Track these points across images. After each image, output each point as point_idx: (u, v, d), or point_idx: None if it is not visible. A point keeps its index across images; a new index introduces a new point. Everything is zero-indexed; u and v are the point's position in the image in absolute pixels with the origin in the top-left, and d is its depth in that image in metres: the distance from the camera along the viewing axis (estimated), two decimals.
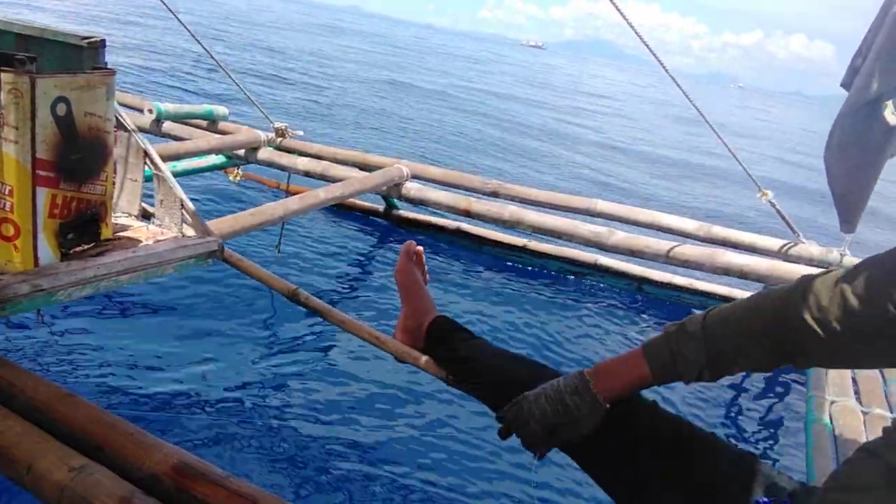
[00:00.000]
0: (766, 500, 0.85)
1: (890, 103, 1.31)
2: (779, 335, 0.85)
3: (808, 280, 0.85)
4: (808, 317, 0.81)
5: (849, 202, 1.60)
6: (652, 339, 0.96)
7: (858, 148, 1.44)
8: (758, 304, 0.90)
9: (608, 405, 0.94)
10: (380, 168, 3.18)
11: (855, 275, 0.80)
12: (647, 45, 2.55)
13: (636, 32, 2.50)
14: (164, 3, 2.84)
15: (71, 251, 1.34)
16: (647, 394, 1.02)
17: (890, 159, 1.67)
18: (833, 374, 1.80)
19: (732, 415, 2.37)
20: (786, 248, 2.73)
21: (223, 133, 3.58)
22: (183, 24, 3.09)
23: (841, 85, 1.65)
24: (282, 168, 3.29)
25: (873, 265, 0.79)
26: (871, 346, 0.78)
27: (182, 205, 1.59)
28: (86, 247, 1.38)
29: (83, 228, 1.36)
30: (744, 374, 1.02)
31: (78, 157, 1.29)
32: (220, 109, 3.81)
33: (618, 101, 19.85)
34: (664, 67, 2.64)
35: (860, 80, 1.34)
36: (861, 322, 0.77)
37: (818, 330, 0.80)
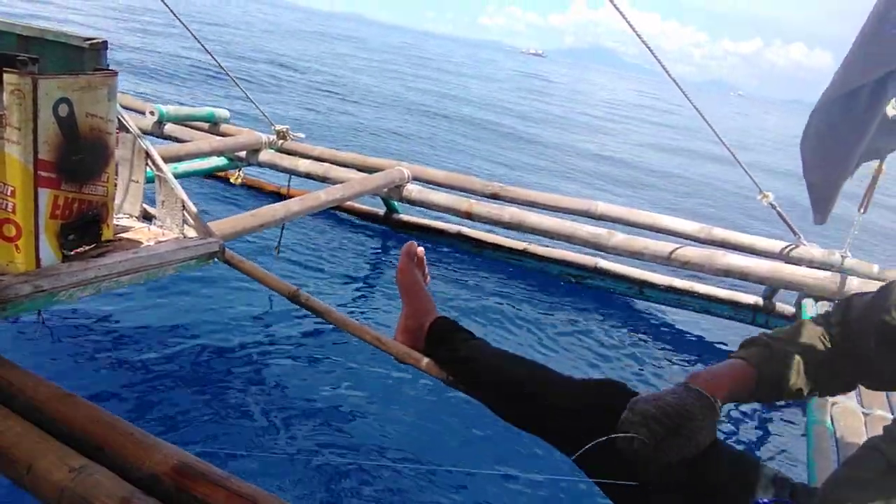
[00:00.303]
0: (766, 500, 0.85)
1: (894, 100, 1.31)
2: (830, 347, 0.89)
3: (852, 296, 0.92)
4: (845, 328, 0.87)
5: (821, 193, 1.60)
6: (744, 349, 0.94)
7: (834, 139, 1.44)
8: (814, 322, 0.93)
9: (720, 404, 0.88)
10: (381, 170, 3.19)
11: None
12: (653, 53, 2.54)
13: (642, 40, 2.50)
14: (168, 7, 2.85)
15: (72, 252, 1.34)
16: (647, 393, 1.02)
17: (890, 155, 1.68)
18: None
19: (733, 416, 2.37)
20: (787, 249, 2.73)
21: (224, 135, 3.59)
22: (187, 28, 3.10)
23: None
24: (283, 170, 3.30)
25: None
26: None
27: (183, 206, 1.60)
28: (87, 248, 1.38)
29: (84, 229, 1.36)
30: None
31: (79, 157, 1.29)
32: (222, 112, 3.82)
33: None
34: (670, 75, 2.64)
35: (839, 72, 1.34)
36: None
37: (854, 339, 0.86)
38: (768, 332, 0.96)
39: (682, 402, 0.85)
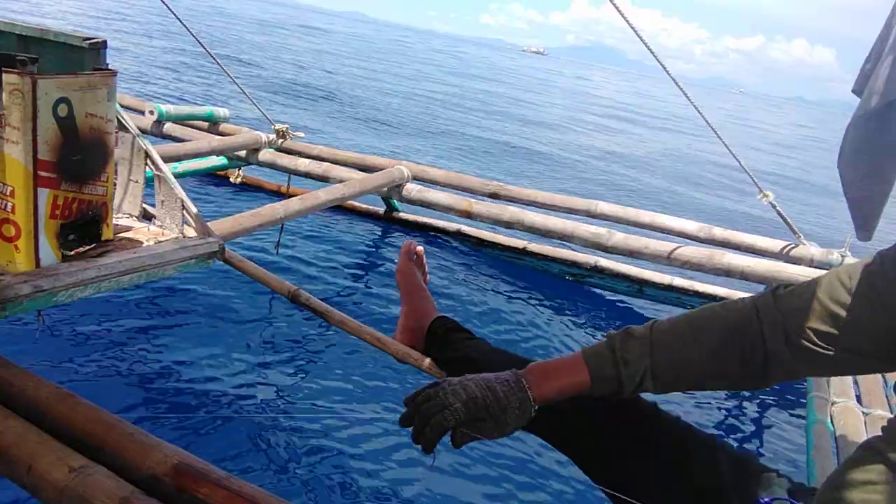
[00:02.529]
0: (766, 500, 0.85)
1: None
2: (743, 337, 0.83)
3: (777, 286, 0.86)
4: (778, 316, 0.83)
5: (864, 209, 1.58)
6: (594, 344, 0.91)
7: (873, 153, 1.43)
8: (713, 310, 0.87)
9: (536, 407, 0.88)
10: (380, 169, 3.19)
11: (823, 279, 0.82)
12: (654, 54, 2.55)
13: (643, 40, 2.50)
14: (168, 6, 2.85)
15: (72, 252, 1.34)
16: (649, 395, 1.02)
17: None
18: None
19: (732, 416, 2.37)
20: (787, 249, 2.74)
21: (224, 134, 3.59)
22: (186, 27, 3.09)
23: (853, 91, 1.63)
24: (282, 169, 3.30)
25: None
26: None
27: (183, 205, 1.59)
28: (87, 247, 1.38)
29: (84, 229, 1.36)
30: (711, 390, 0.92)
31: (79, 157, 1.29)
32: (221, 111, 3.82)
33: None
34: (671, 76, 2.64)
35: (874, 84, 1.33)
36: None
37: (788, 328, 0.82)
38: (658, 321, 0.89)
39: (506, 399, 0.87)
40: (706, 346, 0.85)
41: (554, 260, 3.29)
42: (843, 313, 0.79)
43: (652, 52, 2.54)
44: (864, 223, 1.61)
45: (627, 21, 2.47)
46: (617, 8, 2.39)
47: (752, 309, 0.86)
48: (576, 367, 0.89)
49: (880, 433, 0.76)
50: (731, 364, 0.85)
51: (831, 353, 0.81)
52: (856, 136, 1.42)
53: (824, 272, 0.92)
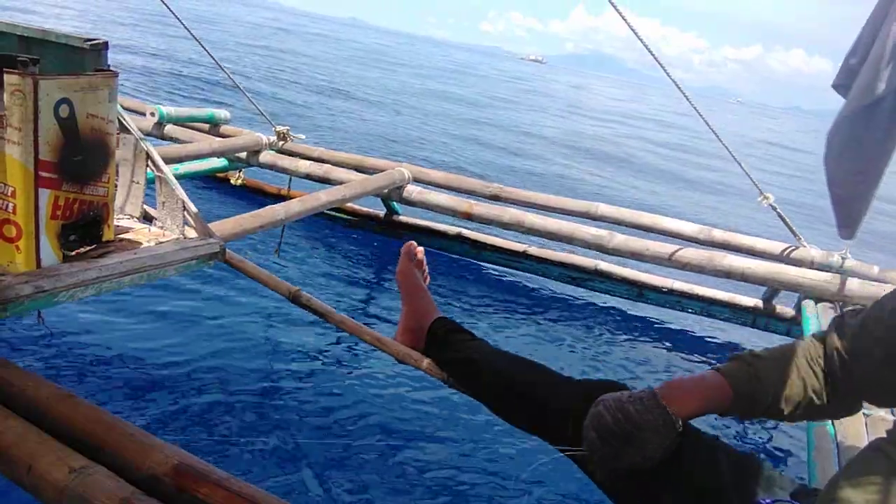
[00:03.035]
0: (767, 500, 0.85)
1: None
2: (818, 364, 0.87)
3: (845, 312, 0.90)
4: (838, 343, 0.85)
5: (849, 208, 1.58)
6: (726, 364, 0.93)
7: (859, 152, 1.43)
8: (801, 341, 0.92)
9: (680, 423, 0.85)
10: (381, 171, 3.19)
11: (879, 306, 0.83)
12: (660, 63, 2.55)
13: (647, 48, 2.51)
14: (168, 7, 2.86)
15: (73, 252, 1.34)
16: None
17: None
18: None
19: (734, 418, 2.37)
20: (787, 251, 2.73)
21: (225, 136, 3.60)
22: (187, 29, 3.10)
23: (833, 86, 1.62)
24: (283, 171, 3.30)
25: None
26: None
27: (184, 206, 1.60)
28: (88, 248, 1.38)
29: (85, 230, 1.36)
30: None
31: (80, 158, 1.29)
32: (222, 113, 3.82)
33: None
34: (675, 82, 2.63)
35: (861, 82, 1.33)
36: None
37: (846, 356, 0.84)
38: (756, 350, 0.94)
39: (641, 417, 0.84)
40: (800, 375, 0.87)
41: (554, 263, 3.28)
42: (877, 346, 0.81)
43: (658, 61, 2.55)
44: (848, 221, 1.60)
45: (632, 28, 2.47)
46: (622, 15, 2.39)
47: (824, 335, 0.90)
48: (716, 383, 0.88)
49: (883, 435, 0.76)
50: (816, 391, 0.87)
51: (879, 381, 0.83)
52: (842, 134, 1.42)
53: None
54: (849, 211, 1.54)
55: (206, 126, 3.73)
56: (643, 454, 0.84)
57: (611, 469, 0.87)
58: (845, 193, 1.51)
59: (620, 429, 0.84)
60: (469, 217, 3.06)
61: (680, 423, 0.85)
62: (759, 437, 2.28)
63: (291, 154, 3.41)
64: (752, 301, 2.97)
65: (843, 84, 1.49)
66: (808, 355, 0.90)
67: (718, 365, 0.93)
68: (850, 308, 0.90)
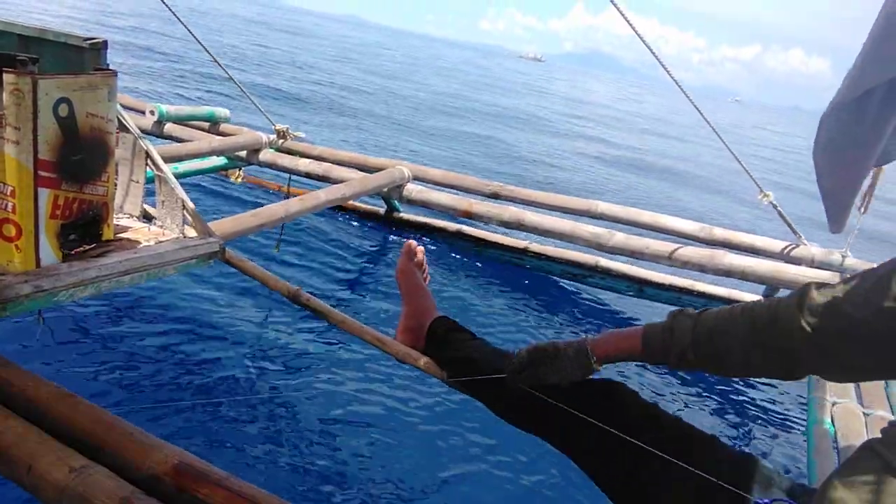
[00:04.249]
0: (765, 500, 0.85)
1: None
2: (768, 330, 0.87)
3: (805, 286, 0.86)
4: (799, 317, 0.83)
5: (837, 201, 1.57)
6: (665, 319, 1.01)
7: (846, 145, 1.42)
8: (755, 303, 0.93)
9: (595, 360, 1.02)
10: (381, 170, 3.19)
11: (848, 280, 0.81)
12: (659, 61, 2.54)
13: (648, 47, 2.50)
14: (168, 7, 2.85)
15: (72, 252, 1.34)
16: (651, 395, 1.02)
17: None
18: None
19: (734, 416, 2.37)
20: (787, 249, 2.73)
21: (225, 135, 3.59)
22: (187, 28, 3.10)
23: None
24: (283, 170, 3.30)
25: (866, 273, 0.80)
26: (869, 348, 0.78)
27: (183, 206, 1.59)
28: (87, 247, 1.38)
29: (85, 229, 1.36)
30: (739, 377, 1.03)
31: (79, 157, 1.29)
32: (222, 111, 3.82)
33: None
34: (674, 80, 2.63)
35: (849, 76, 1.32)
36: (854, 323, 0.77)
37: (807, 328, 0.82)
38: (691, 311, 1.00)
39: (563, 346, 1.05)
40: (736, 334, 0.90)
41: (554, 260, 3.28)
42: (852, 314, 0.79)
43: (659, 60, 2.54)
44: (836, 215, 1.59)
45: (632, 26, 2.46)
46: (622, 14, 2.38)
47: (780, 305, 0.88)
48: (632, 333, 1.02)
49: (879, 434, 0.76)
50: (756, 355, 0.88)
51: (841, 354, 0.80)
52: (830, 126, 1.41)
53: (832, 273, 0.93)
54: (836, 204, 1.54)
55: (206, 124, 3.72)
56: (559, 375, 1.04)
57: (531, 382, 1.07)
58: (833, 187, 1.50)
59: (547, 351, 1.06)
60: (469, 215, 3.06)
61: (594, 357, 1.02)
62: (760, 438, 2.28)
63: (291, 152, 3.41)
64: (752, 298, 2.97)
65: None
66: (752, 321, 0.89)
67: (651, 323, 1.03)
68: (814, 282, 0.87)
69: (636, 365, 2.59)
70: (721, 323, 0.92)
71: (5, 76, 1.16)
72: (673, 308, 1.03)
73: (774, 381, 2.68)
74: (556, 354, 1.05)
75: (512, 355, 1.12)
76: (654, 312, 3.12)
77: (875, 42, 1.23)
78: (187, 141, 3.21)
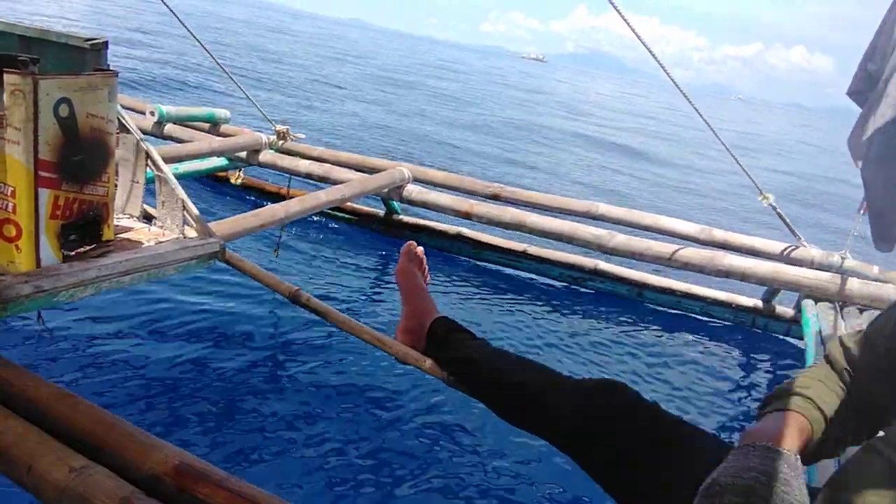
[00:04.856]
0: None
1: None
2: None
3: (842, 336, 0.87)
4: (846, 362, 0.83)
5: (886, 218, 1.55)
6: (781, 402, 0.85)
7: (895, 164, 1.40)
8: (820, 368, 0.89)
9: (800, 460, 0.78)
10: (381, 171, 3.19)
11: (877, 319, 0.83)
12: (659, 62, 2.54)
13: (648, 48, 2.50)
14: (168, 7, 2.85)
15: (73, 252, 1.34)
16: (651, 395, 1.02)
17: None
18: None
19: (735, 416, 2.37)
20: (787, 251, 2.73)
21: (225, 135, 3.60)
22: (188, 29, 3.10)
23: (848, 93, 1.58)
24: (283, 170, 3.30)
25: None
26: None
27: (184, 206, 1.60)
28: (87, 248, 1.38)
29: (85, 229, 1.36)
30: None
31: (80, 158, 1.29)
32: (222, 112, 3.82)
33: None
34: (674, 81, 2.63)
35: (892, 93, 1.30)
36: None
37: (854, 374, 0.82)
38: (792, 383, 0.86)
39: (771, 471, 0.73)
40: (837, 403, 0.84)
41: (554, 263, 3.28)
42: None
43: (659, 62, 2.54)
44: (886, 234, 1.56)
45: (631, 27, 2.46)
46: (621, 15, 2.39)
47: (835, 355, 0.88)
48: (797, 421, 0.81)
49: (882, 435, 0.76)
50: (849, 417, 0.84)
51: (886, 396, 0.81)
52: (881, 142, 1.39)
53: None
54: (885, 221, 1.51)
55: (206, 125, 3.73)
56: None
57: None
58: (884, 204, 1.48)
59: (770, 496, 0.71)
60: (469, 217, 3.06)
61: (800, 461, 0.76)
62: None
63: (291, 153, 3.41)
64: (751, 301, 2.97)
65: (859, 91, 1.46)
66: (830, 380, 0.85)
67: (777, 403, 0.84)
68: (849, 333, 0.87)
69: (636, 365, 2.59)
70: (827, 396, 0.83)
71: (6, 77, 1.17)
72: (655, 321, 0.98)
73: (774, 382, 2.68)
74: (786, 490, 0.71)
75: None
76: (654, 316, 3.13)
77: None
78: (187, 142, 3.21)
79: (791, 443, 0.77)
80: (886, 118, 1.34)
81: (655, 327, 3.00)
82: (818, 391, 0.83)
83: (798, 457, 0.76)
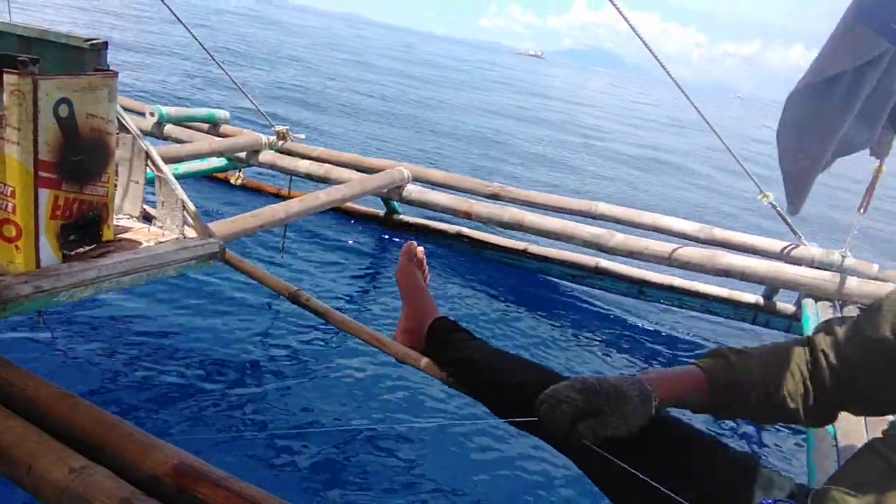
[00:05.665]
0: (766, 501, 0.85)
1: None
2: (799, 371, 0.86)
3: (828, 321, 0.88)
4: (826, 352, 0.84)
5: (797, 182, 1.58)
6: (705, 359, 0.94)
7: (811, 127, 1.43)
8: (783, 343, 0.92)
9: (657, 403, 0.88)
10: (381, 171, 3.19)
11: (868, 308, 0.83)
12: (660, 63, 2.54)
13: (647, 46, 2.49)
14: (168, 7, 2.85)
15: (72, 252, 1.34)
16: None
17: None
18: None
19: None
20: (787, 249, 2.73)
21: (224, 136, 3.60)
22: (188, 29, 3.10)
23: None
24: (283, 171, 3.30)
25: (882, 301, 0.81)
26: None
27: (183, 206, 1.60)
28: (87, 248, 1.38)
29: (85, 230, 1.36)
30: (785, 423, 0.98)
31: (80, 158, 1.29)
32: (222, 113, 3.82)
33: None
34: (674, 81, 2.63)
35: (816, 60, 1.33)
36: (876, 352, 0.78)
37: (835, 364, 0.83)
38: (739, 347, 0.94)
39: (621, 383, 0.86)
40: (782, 376, 0.87)
41: (554, 262, 3.29)
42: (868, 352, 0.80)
43: (658, 60, 2.54)
44: (795, 196, 1.59)
45: (631, 25, 2.46)
46: (620, 12, 2.38)
47: (806, 343, 0.89)
48: (694, 376, 0.90)
49: (881, 435, 0.76)
50: (795, 395, 0.87)
51: (868, 391, 0.81)
52: (796, 109, 1.42)
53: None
54: (796, 185, 1.54)
55: (206, 126, 3.73)
56: (626, 423, 0.85)
57: (587, 432, 0.85)
58: (794, 168, 1.51)
59: (608, 392, 0.85)
60: (469, 216, 3.06)
61: (656, 403, 0.87)
62: (759, 438, 2.28)
63: (291, 154, 3.41)
64: (752, 298, 2.97)
65: None
66: (795, 357, 0.89)
67: (696, 360, 0.93)
68: (837, 317, 0.88)
69: (637, 363, 2.59)
70: (772, 360, 0.88)
71: (6, 77, 1.17)
72: (656, 318, 1.02)
73: None
74: (620, 397, 0.84)
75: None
76: (655, 314, 3.13)
77: (846, 28, 1.24)
78: (187, 142, 3.22)
79: (665, 386, 0.87)
80: (801, 84, 1.36)
81: (656, 325, 3.00)
82: (748, 361, 0.88)
83: (653, 389, 0.86)
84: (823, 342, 0.88)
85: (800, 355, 0.89)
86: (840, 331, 0.86)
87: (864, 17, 1.17)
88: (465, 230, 3.48)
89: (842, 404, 0.88)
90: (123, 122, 1.57)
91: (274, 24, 25.07)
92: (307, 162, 3.27)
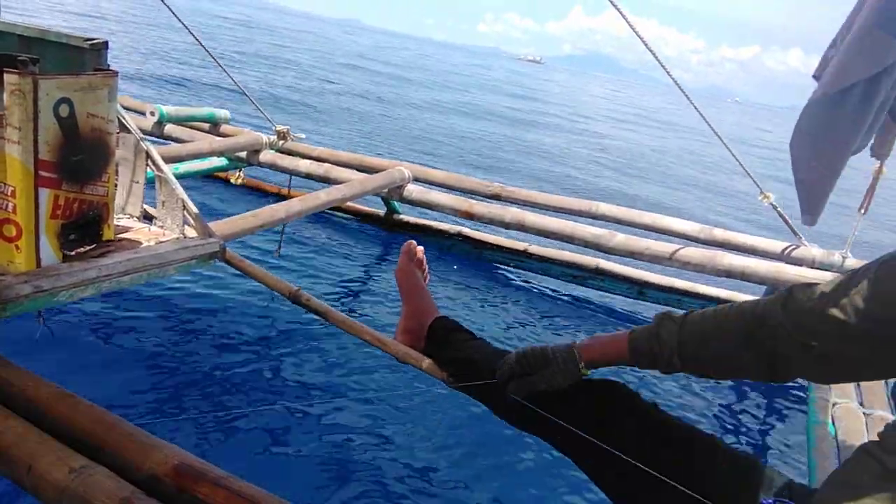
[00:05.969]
0: (766, 501, 0.85)
1: None
2: (756, 333, 0.86)
3: (790, 287, 0.86)
4: (783, 318, 0.83)
5: (811, 192, 1.58)
6: (650, 323, 1.00)
7: (826, 137, 1.43)
8: (740, 304, 0.93)
9: (583, 365, 1.01)
10: (381, 170, 3.19)
11: (832, 282, 0.81)
12: (661, 64, 2.54)
13: (648, 48, 2.50)
14: (169, 8, 2.85)
15: (73, 252, 1.34)
16: (650, 395, 1.02)
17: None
18: None
19: (734, 416, 2.36)
20: (788, 250, 2.73)
21: (225, 135, 3.60)
22: (188, 28, 3.10)
23: (813, 76, 1.62)
24: (283, 170, 3.30)
25: (850, 274, 0.80)
26: (863, 350, 0.78)
27: (184, 206, 1.60)
28: (87, 248, 1.38)
29: (85, 229, 1.36)
30: (733, 379, 1.02)
31: (80, 158, 1.29)
32: (222, 112, 3.82)
33: None
34: (675, 81, 2.63)
35: (832, 69, 1.33)
36: (842, 325, 0.77)
37: (790, 329, 0.82)
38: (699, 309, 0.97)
39: (551, 352, 1.03)
40: (725, 336, 0.89)
41: (555, 262, 3.28)
42: (839, 317, 0.78)
43: (659, 61, 2.54)
44: (811, 207, 1.59)
45: (632, 27, 2.46)
46: (623, 14, 2.38)
47: (766, 306, 0.88)
48: (618, 337, 1.00)
49: (877, 438, 0.76)
50: (745, 357, 0.88)
51: (828, 356, 0.80)
52: (809, 118, 1.42)
53: (832, 274, 0.93)
54: (810, 196, 1.54)
55: (207, 125, 3.73)
56: (549, 383, 1.02)
57: (519, 389, 1.05)
58: (810, 178, 1.51)
59: (536, 357, 1.04)
60: (469, 216, 3.06)
61: (583, 365, 1.01)
62: (760, 438, 2.28)
63: (291, 153, 3.41)
64: (753, 298, 2.97)
65: (818, 76, 1.50)
66: (741, 324, 0.88)
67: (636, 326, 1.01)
68: (799, 284, 0.87)
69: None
70: (707, 326, 0.91)
71: (6, 76, 1.17)
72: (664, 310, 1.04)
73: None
74: (545, 361, 1.03)
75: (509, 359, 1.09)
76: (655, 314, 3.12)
77: (860, 38, 1.24)
78: (188, 142, 3.21)
79: (593, 348, 1.02)
80: (818, 93, 1.36)
81: None
82: (691, 325, 0.93)
83: (580, 353, 1.02)
84: (781, 312, 0.85)
85: (750, 322, 0.88)
86: (800, 299, 0.84)
87: (885, 23, 1.17)
88: (466, 230, 3.48)
89: (798, 372, 0.88)
90: (124, 121, 1.57)
91: (270, 29, 25.06)
92: (308, 162, 3.26)
